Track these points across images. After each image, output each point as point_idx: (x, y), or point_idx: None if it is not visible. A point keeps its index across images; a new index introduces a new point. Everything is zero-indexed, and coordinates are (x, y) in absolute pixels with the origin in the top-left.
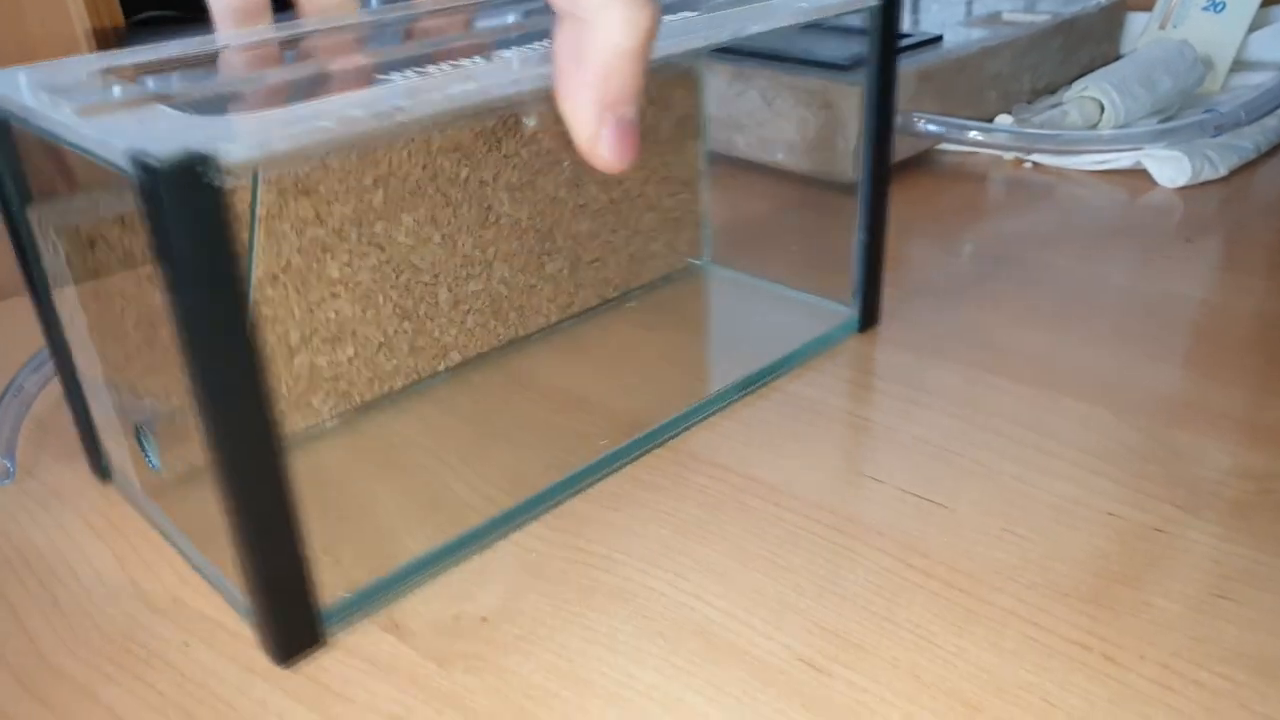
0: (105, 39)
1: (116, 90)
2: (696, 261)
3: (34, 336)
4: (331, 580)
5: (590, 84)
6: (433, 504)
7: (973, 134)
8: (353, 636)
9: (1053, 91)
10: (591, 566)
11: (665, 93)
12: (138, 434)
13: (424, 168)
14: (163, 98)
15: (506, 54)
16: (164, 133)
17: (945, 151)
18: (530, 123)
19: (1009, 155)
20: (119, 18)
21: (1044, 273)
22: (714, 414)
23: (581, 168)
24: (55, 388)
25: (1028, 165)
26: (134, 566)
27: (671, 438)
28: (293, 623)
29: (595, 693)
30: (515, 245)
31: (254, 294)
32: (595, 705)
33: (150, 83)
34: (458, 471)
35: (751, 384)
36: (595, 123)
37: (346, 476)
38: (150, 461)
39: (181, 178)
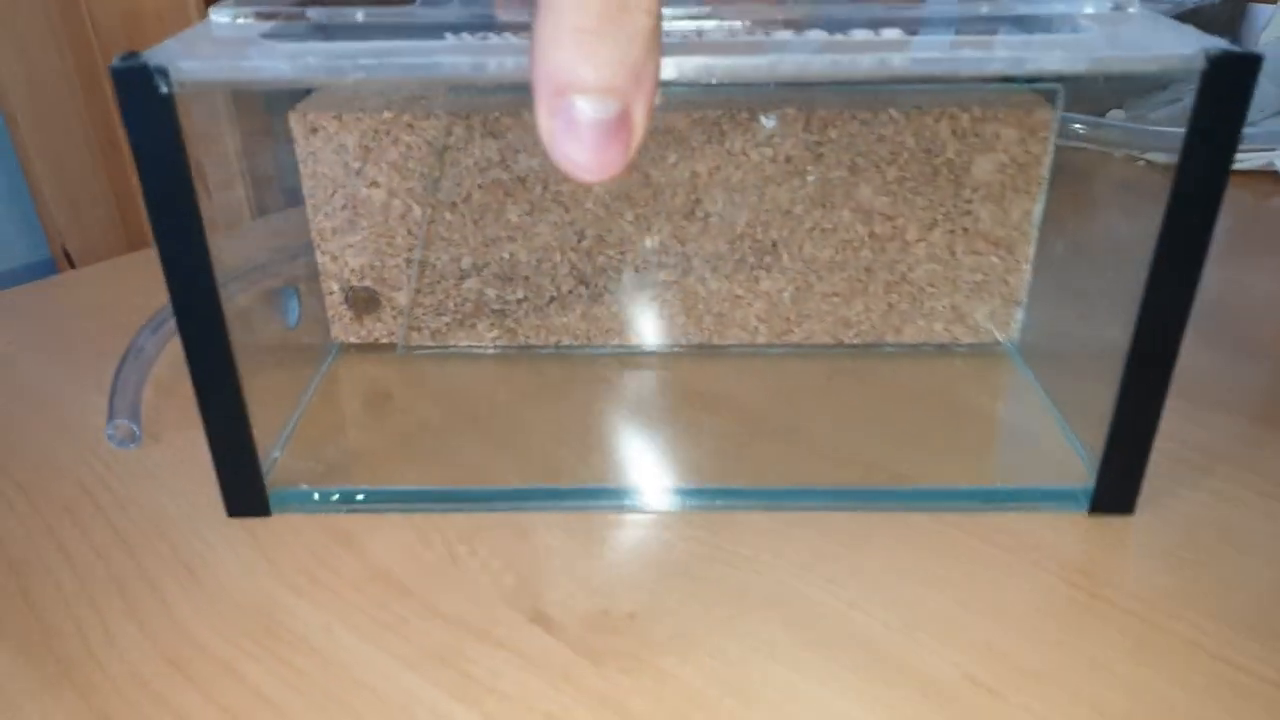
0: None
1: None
2: (999, 342)
3: (152, 296)
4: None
5: (534, 54)
6: (518, 452)
7: (1077, 127)
8: (498, 627)
9: (1165, 87)
10: (737, 568)
11: (988, 128)
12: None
13: None
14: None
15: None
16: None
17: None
18: (768, 123)
19: (1119, 153)
20: None
21: None
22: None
23: (833, 186)
24: (174, 349)
25: (1141, 163)
26: (266, 544)
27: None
28: (240, 484)
29: (761, 704)
30: (723, 249)
31: (430, 211)
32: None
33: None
34: (574, 444)
35: (893, 499)
36: (545, 112)
37: (472, 397)
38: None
39: (137, 84)
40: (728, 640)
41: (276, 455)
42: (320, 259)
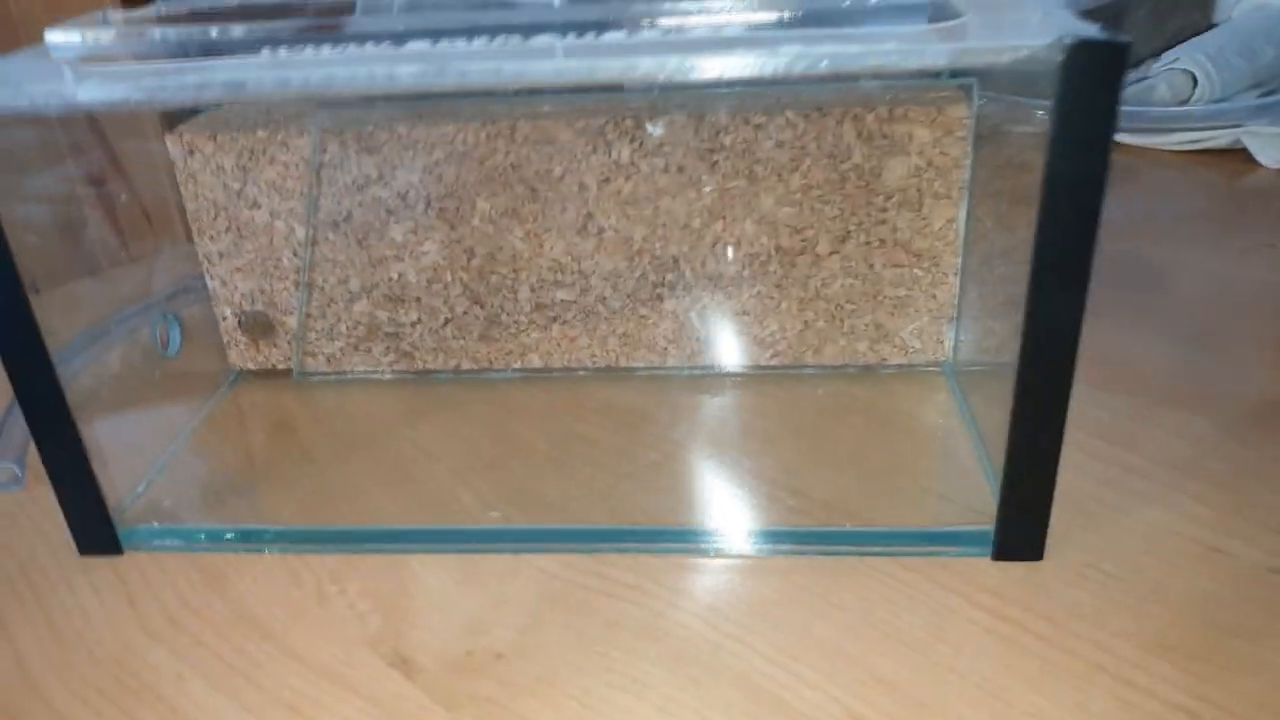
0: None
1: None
2: (936, 362)
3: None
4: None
5: None
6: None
7: (1042, 113)
8: (355, 671)
9: (1139, 64)
10: (617, 599)
11: (897, 128)
12: None
13: (505, 154)
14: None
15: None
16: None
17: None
18: (655, 130)
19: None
20: None
21: (1128, 265)
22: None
23: (732, 197)
24: None
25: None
26: (135, 586)
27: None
28: (87, 523)
29: None
30: (622, 266)
31: (312, 232)
32: None
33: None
34: (469, 474)
35: (816, 540)
36: None
37: (366, 425)
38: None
39: None
40: (595, 680)
41: (140, 490)
42: (210, 284)
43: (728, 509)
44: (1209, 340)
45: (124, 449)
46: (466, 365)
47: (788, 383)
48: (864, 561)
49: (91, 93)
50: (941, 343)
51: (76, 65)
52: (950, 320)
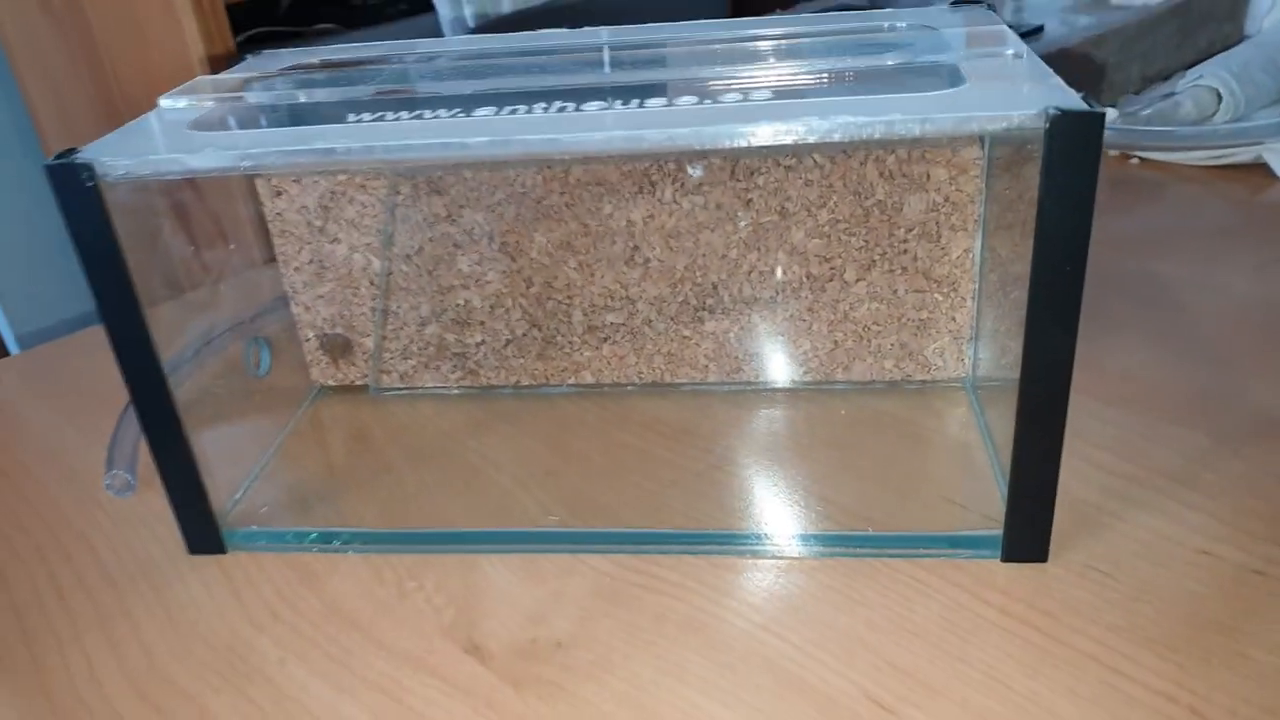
0: (218, 64)
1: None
2: (959, 378)
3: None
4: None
5: None
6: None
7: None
8: (434, 657)
9: (1167, 78)
10: (663, 595)
11: (916, 168)
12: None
13: (560, 194)
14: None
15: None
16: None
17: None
18: (695, 173)
19: (1113, 151)
20: (230, 43)
21: (1147, 281)
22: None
23: (766, 231)
24: None
25: (1134, 161)
26: (239, 582)
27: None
28: (195, 526)
29: None
30: (666, 291)
31: (387, 264)
32: None
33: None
34: (529, 481)
35: (844, 544)
36: None
37: (435, 436)
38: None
39: (67, 179)
40: (643, 666)
41: (239, 496)
42: (295, 309)
43: (762, 515)
44: (1215, 356)
45: (224, 458)
46: (525, 381)
47: (819, 397)
48: (884, 563)
49: (206, 161)
50: (962, 360)
51: (189, 133)
52: (969, 340)
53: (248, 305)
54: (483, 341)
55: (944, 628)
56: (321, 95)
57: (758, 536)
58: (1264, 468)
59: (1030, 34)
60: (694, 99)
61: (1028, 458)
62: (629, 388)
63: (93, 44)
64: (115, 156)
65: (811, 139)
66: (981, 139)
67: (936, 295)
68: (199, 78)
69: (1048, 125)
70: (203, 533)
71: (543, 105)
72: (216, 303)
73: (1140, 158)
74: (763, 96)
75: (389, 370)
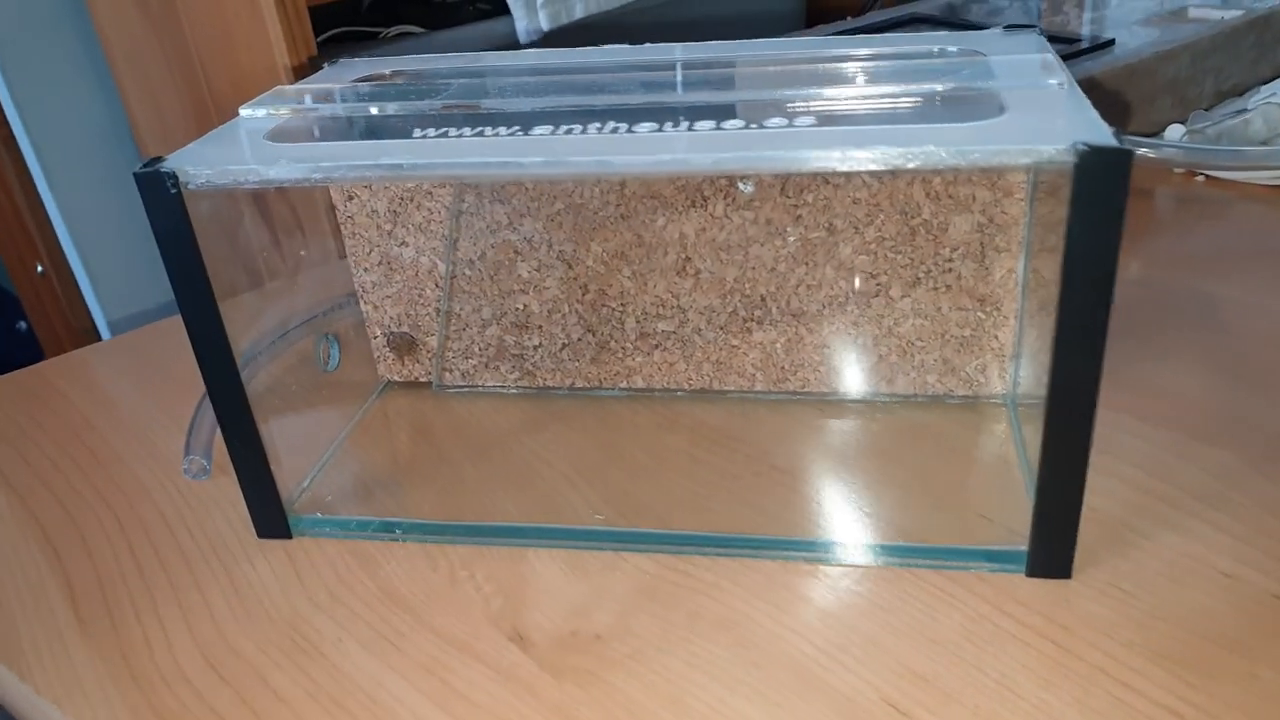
0: (301, 69)
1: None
2: (997, 397)
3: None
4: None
5: None
6: (530, 487)
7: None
8: (480, 642)
9: (1241, 94)
10: (700, 594)
11: (962, 190)
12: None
13: (616, 206)
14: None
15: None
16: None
17: None
18: (746, 189)
19: (1178, 169)
20: (312, 45)
21: (1199, 301)
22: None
23: (814, 246)
24: None
25: (1200, 179)
26: (301, 564)
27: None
28: (264, 512)
29: (690, 715)
30: (715, 302)
31: (451, 268)
32: None
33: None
34: (578, 479)
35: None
36: None
37: (493, 433)
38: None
39: (153, 186)
40: (676, 659)
41: (306, 484)
42: (364, 308)
43: (798, 522)
44: (1255, 378)
45: (293, 447)
46: (579, 384)
47: (862, 409)
48: (912, 572)
49: (280, 173)
50: (1003, 378)
51: (266, 144)
52: (1011, 358)
53: (321, 300)
54: (540, 344)
55: (963, 636)
56: (392, 109)
57: (791, 543)
58: None
59: (1101, 47)
60: (740, 123)
61: (1053, 480)
62: (678, 393)
63: (185, 46)
64: (197, 165)
65: (846, 169)
66: None
67: (980, 314)
68: (278, 88)
69: (1076, 160)
70: (271, 518)
71: (597, 125)
72: (292, 296)
73: (1206, 175)
74: (806, 122)
75: (451, 369)
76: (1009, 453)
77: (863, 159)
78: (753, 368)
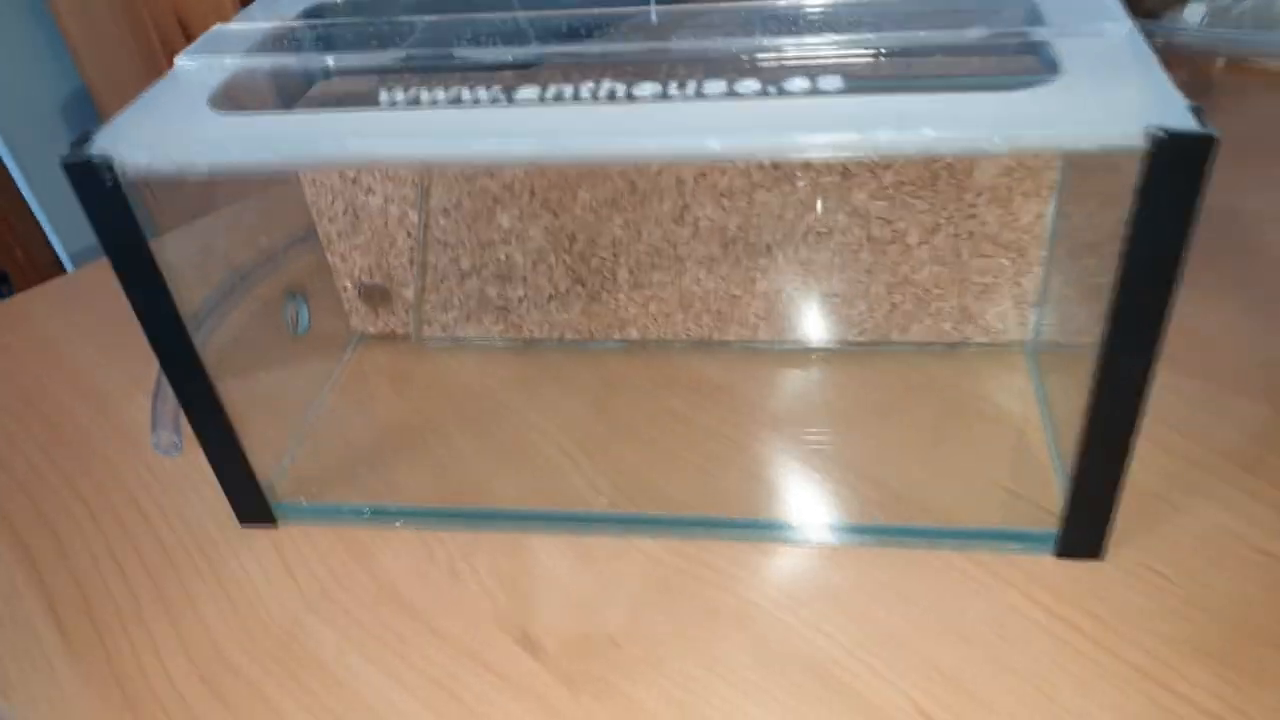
0: None
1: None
2: (1016, 344)
3: None
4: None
5: None
6: (526, 462)
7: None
8: (489, 649)
9: None
10: (714, 588)
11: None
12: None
13: None
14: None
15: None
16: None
17: None
18: None
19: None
20: None
21: (1221, 220)
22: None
23: (826, 191)
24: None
25: (1219, 63)
26: (291, 559)
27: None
28: (244, 500)
29: None
30: (716, 252)
31: (424, 217)
32: None
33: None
34: (576, 452)
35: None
36: None
37: (481, 396)
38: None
39: (85, 177)
40: (694, 665)
41: (286, 463)
42: (331, 259)
43: (813, 500)
44: None
45: (267, 417)
46: (570, 335)
47: (873, 360)
48: (934, 554)
49: (234, 158)
50: (1023, 324)
51: (211, 115)
52: (1033, 305)
53: (278, 239)
54: (525, 296)
55: (994, 632)
56: (351, 60)
57: (807, 525)
58: None
59: None
60: (756, 84)
61: (1094, 464)
62: (675, 344)
63: None
64: (134, 149)
65: (883, 148)
66: None
67: (1003, 260)
68: (217, 28)
69: (1150, 148)
70: (252, 503)
71: (590, 86)
72: (244, 236)
73: (1227, 60)
74: (833, 85)
75: (430, 321)
76: (1030, 411)
77: (900, 144)
78: (756, 317)
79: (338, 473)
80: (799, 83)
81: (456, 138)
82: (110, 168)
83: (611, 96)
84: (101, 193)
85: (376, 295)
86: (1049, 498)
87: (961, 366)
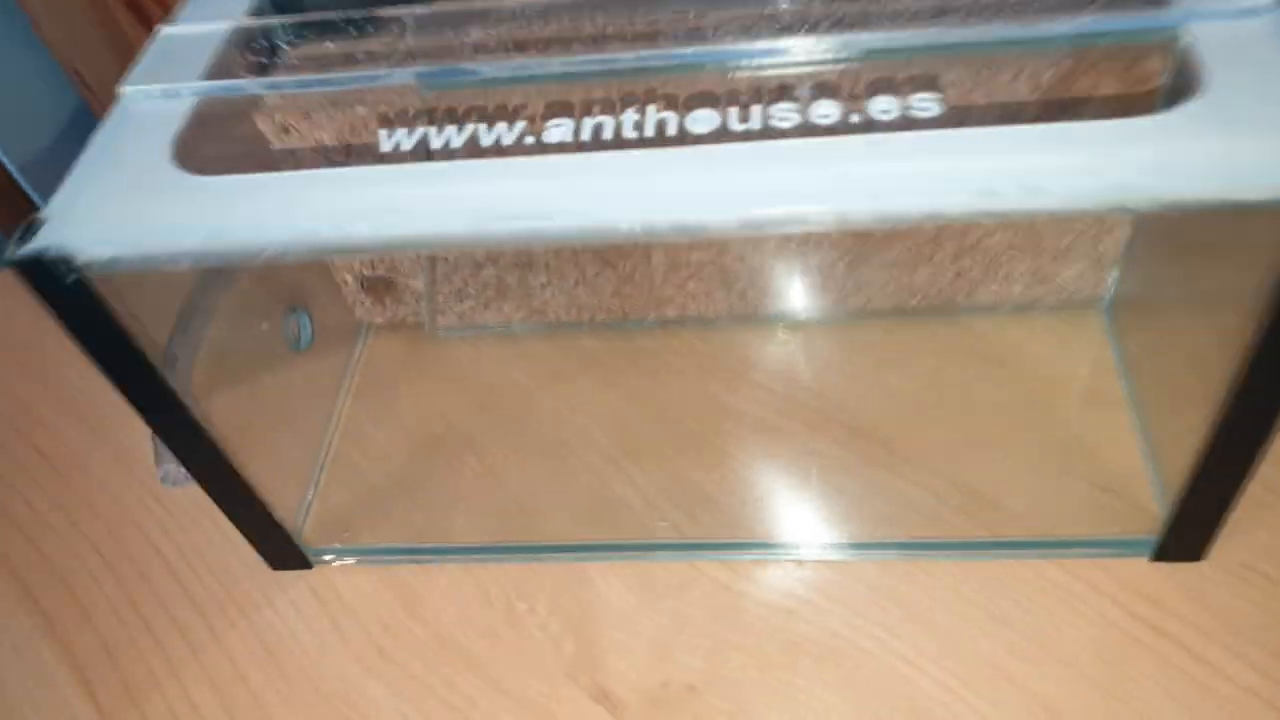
0: None
1: None
2: (1090, 304)
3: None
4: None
5: None
6: (571, 475)
7: None
8: (563, 707)
9: None
10: (794, 619)
11: (1081, 82)
12: None
13: None
14: None
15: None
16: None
17: None
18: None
19: None
20: None
21: None
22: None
23: None
24: None
25: None
26: (333, 608)
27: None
28: (273, 546)
29: None
30: None
31: None
32: None
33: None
34: (624, 460)
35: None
36: None
37: (509, 394)
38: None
39: (42, 278)
40: (782, 712)
41: (310, 496)
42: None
43: (885, 506)
44: None
45: (281, 454)
46: (601, 318)
47: (938, 329)
48: (1023, 563)
49: (222, 246)
50: (1100, 284)
51: (181, 178)
52: (1113, 264)
53: None
54: (548, 282)
55: (1094, 655)
56: (338, 81)
57: (883, 540)
58: None
59: None
60: (835, 108)
61: (1213, 474)
62: (716, 323)
63: None
64: (94, 239)
65: (977, 207)
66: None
67: (1080, 224)
68: (162, 35)
69: None
70: (281, 549)
71: (635, 116)
72: None
73: None
74: (927, 111)
75: (444, 311)
76: (1111, 386)
77: (1002, 196)
78: (808, 290)
79: (368, 501)
80: (885, 104)
81: (483, 218)
82: (69, 263)
83: (661, 133)
84: (63, 292)
85: (380, 286)
86: (1141, 493)
87: (1032, 332)
